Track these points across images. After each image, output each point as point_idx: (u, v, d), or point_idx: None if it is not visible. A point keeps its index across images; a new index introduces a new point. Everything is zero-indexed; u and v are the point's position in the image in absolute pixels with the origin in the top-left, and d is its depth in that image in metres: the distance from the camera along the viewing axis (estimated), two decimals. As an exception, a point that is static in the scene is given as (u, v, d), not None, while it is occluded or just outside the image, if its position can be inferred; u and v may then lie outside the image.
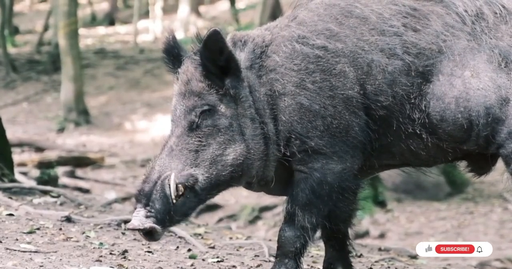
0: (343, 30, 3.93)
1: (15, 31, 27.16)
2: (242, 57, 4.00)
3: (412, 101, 3.87)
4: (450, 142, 3.92)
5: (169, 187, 3.83)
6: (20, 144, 14.59)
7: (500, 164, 4.02)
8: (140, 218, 3.80)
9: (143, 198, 3.83)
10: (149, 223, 3.79)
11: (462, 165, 4.22)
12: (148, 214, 3.80)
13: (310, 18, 3.99)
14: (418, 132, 3.90)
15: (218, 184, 3.94)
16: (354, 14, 3.95)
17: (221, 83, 3.93)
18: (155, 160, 3.94)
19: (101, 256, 4.50)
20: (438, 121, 3.87)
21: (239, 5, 28.12)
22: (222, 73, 3.92)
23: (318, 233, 4.23)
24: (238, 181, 4.00)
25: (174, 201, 3.84)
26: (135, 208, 3.85)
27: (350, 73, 3.89)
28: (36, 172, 11.37)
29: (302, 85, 3.90)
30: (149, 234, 3.84)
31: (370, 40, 3.90)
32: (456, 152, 3.97)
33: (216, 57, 3.90)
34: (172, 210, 3.85)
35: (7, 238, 4.71)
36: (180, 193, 3.85)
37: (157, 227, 3.80)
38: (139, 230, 3.81)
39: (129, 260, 4.52)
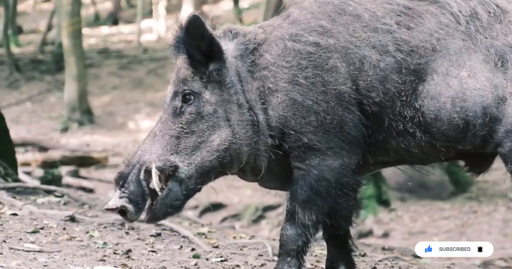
0: (335, 27, 3.95)
1: (19, 30, 27.14)
2: (230, 46, 4.03)
3: (404, 98, 3.87)
4: (444, 141, 3.91)
5: (144, 173, 3.88)
6: (24, 144, 14.61)
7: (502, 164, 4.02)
8: (114, 199, 3.88)
9: (121, 180, 3.91)
10: (120, 203, 3.85)
11: (461, 164, 4.22)
12: (122, 194, 3.88)
13: (304, 16, 4.02)
14: (411, 130, 3.90)
15: (206, 171, 3.96)
16: (347, 12, 3.97)
17: (205, 68, 3.96)
18: (139, 145, 4.00)
19: (104, 256, 4.50)
20: (432, 120, 3.87)
21: (243, 4, 28.10)
22: (206, 58, 3.95)
23: (320, 233, 4.23)
24: (230, 167, 4.01)
25: (159, 193, 3.90)
26: (115, 190, 3.93)
27: (342, 69, 3.90)
28: (39, 172, 11.41)
29: (295, 81, 3.92)
30: (123, 214, 3.90)
31: (363, 37, 3.92)
32: (449, 151, 3.96)
33: (198, 43, 3.93)
34: (158, 203, 3.91)
35: (11, 237, 4.72)
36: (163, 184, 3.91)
37: (128, 206, 3.85)
38: (111, 210, 3.88)
39: (132, 259, 4.52)
